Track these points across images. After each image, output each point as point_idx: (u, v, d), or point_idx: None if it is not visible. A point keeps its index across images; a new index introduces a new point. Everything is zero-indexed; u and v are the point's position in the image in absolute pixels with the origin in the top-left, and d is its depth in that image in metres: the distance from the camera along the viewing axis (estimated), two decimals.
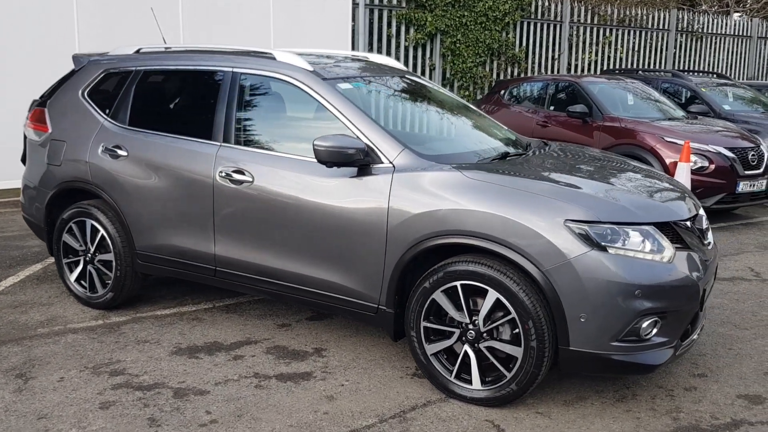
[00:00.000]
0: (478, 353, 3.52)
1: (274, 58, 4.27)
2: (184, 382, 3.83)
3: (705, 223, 3.88)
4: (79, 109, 4.95)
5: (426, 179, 3.63)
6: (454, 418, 3.47)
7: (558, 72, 14.10)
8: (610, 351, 3.31)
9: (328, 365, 4.05)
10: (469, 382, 3.56)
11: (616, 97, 9.36)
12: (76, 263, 4.98)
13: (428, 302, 3.60)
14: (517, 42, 13.49)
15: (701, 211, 4.03)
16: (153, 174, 4.49)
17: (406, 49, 12.31)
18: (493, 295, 3.41)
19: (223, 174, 4.19)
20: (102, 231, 4.78)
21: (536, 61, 13.84)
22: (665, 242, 3.43)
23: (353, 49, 11.45)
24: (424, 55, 12.50)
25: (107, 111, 4.83)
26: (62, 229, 4.98)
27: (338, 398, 3.66)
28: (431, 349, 3.65)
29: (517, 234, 3.35)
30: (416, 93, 4.59)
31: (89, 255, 4.89)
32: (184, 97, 4.58)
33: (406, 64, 12.38)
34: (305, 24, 10.67)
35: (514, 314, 3.37)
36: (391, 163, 3.73)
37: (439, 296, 3.57)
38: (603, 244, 3.28)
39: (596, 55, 14.66)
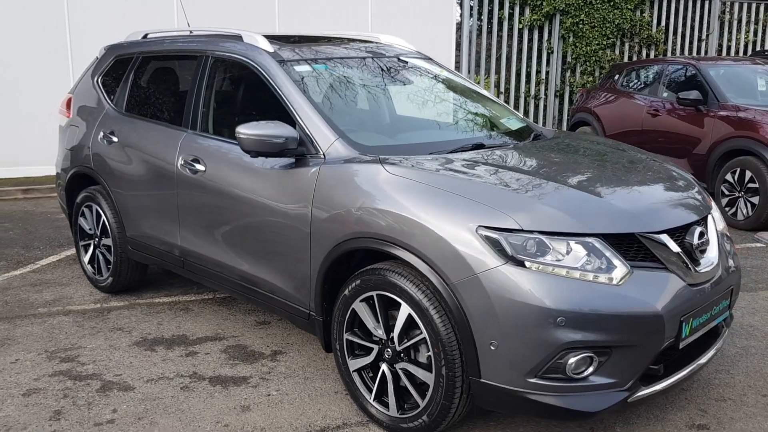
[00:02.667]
0: (395, 375, 3.05)
1: (240, 39, 4.01)
2: (119, 376, 3.72)
3: (706, 237, 3.06)
4: (92, 96, 5.03)
5: (347, 172, 3.19)
6: None
7: (706, 55, 12.50)
8: (526, 389, 2.68)
9: (272, 371, 3.75)
10: (387, 406, 3.10)
11: (741, 83, 8.03)
12: (88, 246, 5.08)
13: (349, 312, 3.17)
14: (654, 21, 12.12)
15: (716, 223, 3.21)
16: (135, 161, 4.43)
17: (520, 32, 11.51)
18: (405, 310, 2.92)
19: (182, 162, 4.02)
20: (103, 216, 4.83)
21: (678, 42, 12.36)
22: (617, 259, 2.73)
23: (459, 33, 10.90)
24: (540, 38, 11.62)
25: (112, 97, 4.86)
26: (77, 213, 5.10)
27: (252, 410, 3.35)
28: (353, 364, 3.21)
29: (425, 240, 2.82)
30: (402, 77, 4.10)
31: (96, 239, 4.97)
32: (166, 83, 4.47)
33: (520, 48, 11.60)
34: (406, 7, 10.33)
35: (425, 334, 2.86)
36: (323, 153, 3.33)
37: (358, 306, 3.12)
38: (520, 257, 2.66)
39: (754, 35, 12.81)
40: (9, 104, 8.92)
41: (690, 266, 2.89)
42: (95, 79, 5.05)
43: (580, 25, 11.51)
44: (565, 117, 11.77)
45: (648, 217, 2.87)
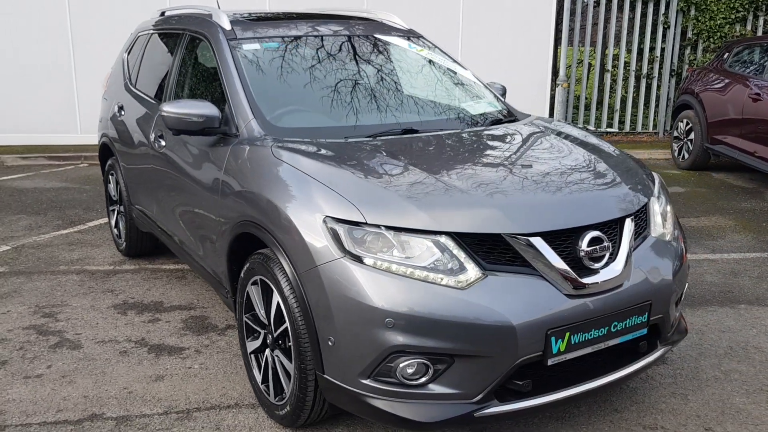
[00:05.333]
0: (274, 361, 3.01)
1: (210, 17, 4.07)
2: (78, 335, 3.99)
3: (606, 244, 2.67)
4: (118, 71, 5.35)
5: (243, 154, 3.16)
6: (233, 430, 3.03)
7: None
8: (359, 389, 2.54)
9: (211, 345, 3.84)
10: (268, 392, 3.07)
11: None
12: (113, 211, 5.46)
13: (245, 294, 3.16)
14: None
15: (652, 227, 2.84)
16: (133, 135, 4.67)
17: (632, 4, 10.59)
18: (276, 298, 2.86)
19: (153, 138, 4.18)
20: (119, 184, 5.16)
21: None
22: (470, 261, 2.49)
23: (560, 8, 10.26)
24: (656, 11, 10.63)
25: (129, 73, 5.14)
26: (106, 180, 5.49)
27: (164, 380, 3.45)
28: (250, 346, 3.21)
29: (284, 227, 2.73)
30: (366, 58, 3.93)
31: (118, 205, 5.32)
32: (160, 61, 4.63)
33: (631, 22, 10.69)
34: None
35: (287, 323, 2.79)
36: (239, 133, 3.33)
37: (251, 290, 3.10)
38: (358, 251, 2.50)
39: None
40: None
41: (573, 275, 2.57)
42: (124, 54, 5.36)
43: None
44: None
45: (520, 217, 2.58)
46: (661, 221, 3.01)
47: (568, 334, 2.55)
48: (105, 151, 5.40)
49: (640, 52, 10.83)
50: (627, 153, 3.46)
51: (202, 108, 3.34)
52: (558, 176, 2.90)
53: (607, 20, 10.82)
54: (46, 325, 4.11)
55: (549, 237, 2.58)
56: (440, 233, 2.50)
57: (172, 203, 4.02)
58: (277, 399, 2.99)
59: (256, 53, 3.72)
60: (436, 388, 2.49)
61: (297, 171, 2.84)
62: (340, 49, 3.90)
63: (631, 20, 10.71)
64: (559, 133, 3.56)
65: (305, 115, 3.51)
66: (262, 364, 3.09)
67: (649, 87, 10.97)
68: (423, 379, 2.48)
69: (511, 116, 3.87)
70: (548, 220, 2.60)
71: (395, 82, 3.81)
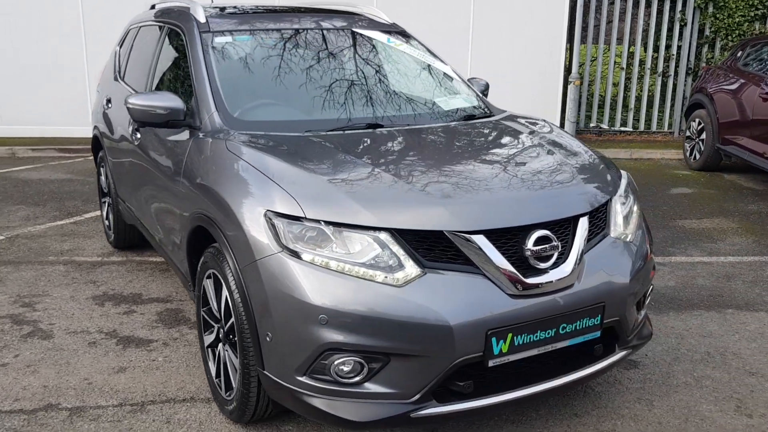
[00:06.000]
0: (224, 355, 2.99)
1: (188, 10, 4.07)
2: (52, 325, 4.01)
3: (555, 244, 2.59)
4: (110, 64, 5.38)
5: (200, 146, 3.15)
6: (182, 424, 3.01)
7: None
8: (296, 387, 2.50)
9: (179, 339, 3.83)
10: (221, 386, 3.05)
11: None
12: (104, 203, 5.50)
13: (202, 288, 3.15)
14: None
15: (609, 227, 2.77)
16: (117, 127, 4.69)
17: (648, 1, 10.37)
18: (224, 292, 2.84)
19: (130, 130, 4.19)
20: (108, 177, 5.19)
21: None
22: (408, 258, 2.44)
23: (573, 5, 10.10)
24: (673, 8, 10.40)
25: (117, 66, 5.17)
26: (98, 173, 5.54)
27: (126, 372, 3.46)
28: (206, 340, 3.19)
29: (229, 220, 2.71)
30: (342, 52, 3.87)
31: (107, 197, 5.36)
32: (143, 54, 4.64)
33: (647, 18, 10.48)
34: None
35: (233, 318, 2.77)
36: (201, 126, 3.31)
37: (206, 284, 3.08)
38: (295, 247, 2.46)
39: None
40: None
41: (517, 274, 2.50)
42: (116, 47, 5.39)
43: None
44: None
45: (462, 215, 2.51)
46: (622, 221, 2.92)
47: (510, 335, 2.48)
48: (96, 143, 5.44)
49: (656, 49, 10.61)
50: (597, 152, 3.36)
51: (167, 100, 3.33)
52: (510, 174, 2.83)
53: (622, 17, 10.62)
54: (22, 315, 4.15)
55: (493, 235, 2.51)
56: (380, 229, 2.45)
57: (146, 196, 4.03)
58: (227, 394, 2.97)
59: (226, 46, 3.70)
60: (372, 387, 2.45)
61: (246, 164, 2.81)
62: (313, 43, 3.87)
63: (647, 17, 10.50)
64: (529, 131, 3.47)
65: (269, 109, 3.48)
66: (216, 359, 3.08)
67: (664, 86, 10.75)
68: (358, 378, 2.44)
69: (485, 112, 3.80)
70: (492, 218, 2.53)
71: (366, 77, 3.76)
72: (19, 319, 4.08)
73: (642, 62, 10.71)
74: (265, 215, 2.55)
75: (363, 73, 3.77)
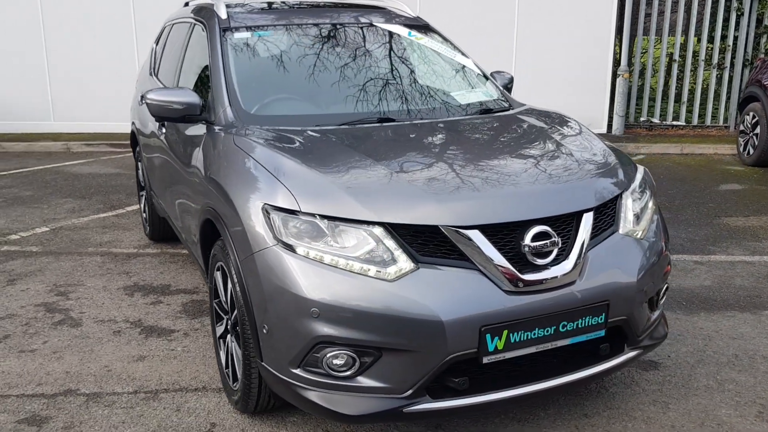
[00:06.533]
0: (231, 346, 3.04)
1: (211, 6, 4.14)
2: (82, 314, 4.16)
3: (555, 240, 2.52)
4: (147, 61, 5.53)
5: (212, 140, 3.21)
6: (191, 413, 3.08)
7: None
8: (291, 379, 2.52)
9: (200, 329, 3.92)
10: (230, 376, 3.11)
11: None
12: (142, 196, 5.66)
13: (213, 280, 3.20)
14: None
15: (618, 224, 2.70)
16: (148, 122, 4.82)
17: None
18: (230, 284, 2.88)
19: (157, 125, 4.30)
20: (143, 170, 5.34)
21: None
22: (402, 253, 2.42)
23: None
24: None
25: (153, 62, 5.30)
26: (136, 167, 5.70)
27: (145, 360, 3.55)
28: (218, 331, 3.25)
29: (230, 214, 2.75)
30: (361, 47, 3.87)
31: (144, 190, 5.51)
32: (174, 50, 4.74)
33: (701, 8, 10.11)
34: None
35: (236, 310, 2.81)
36: (215, 120, 3.37)
37: (216, 276, 3.13)
38: (290, 240, 2.48)
39: None
40: None
41: (513, 270, 2.45)
42: (153, 44, 5.53)
43: None
44: None
45: (458, 210, 2.48)
46: (632, 218, 2.83)
47: (506, 332, 2.44)
48: (133, 138, 5.59)
49: (711, 40, 10.23)
50: (613, 147, 3.26)
51: (183, 96, 3.40)
52: (512, 169, 2.78)
53: (674, 7, 10.27)
54: (56, 303, 4.31)
55: (490, 231, 2.47)
56: (374, 224, 2.45)
57: (171, 190, 4.13)
58: (234, 384, 3.02)
59: (245, 42, 3.75)
60: (364, 381, 2.45)
61: (250, 159, 2.84)
62: (332, 39, 3.88)
63: (701, 6, 10.12)
64: (541, 125, 3.40)
65: (282, 104, 3.51)
66: (226, 350, 3.13)
67: (720, 78, 10.36)
68: (350, 372, 2.44)
69: (503, 106, 3.74)
70: (488, 213, 2.49)
71: (382, 71, 3.75)
72: (53, 308, 4.24)
73: (696, 54, 10.34)
74: (263, 209, 2.58)
75: (379, 67, 3.76)
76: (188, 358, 3.57)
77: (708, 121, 10.40)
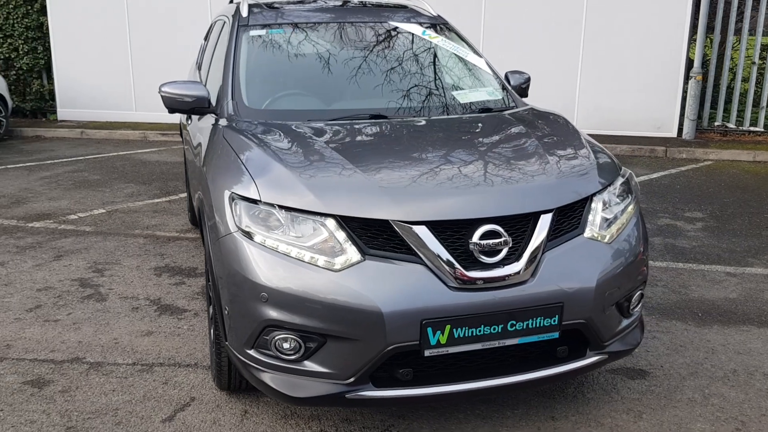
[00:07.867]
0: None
1: (238, 4, 4.34)
2: (111, 290, 4.48)
3: (505, 239, 2.54)
4: (198, 54, 5.83)
5: (209, 131, 3.40)
6: (177, 386, 3.29)
7: None
8: (246, 359, 2.66)
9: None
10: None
11: None
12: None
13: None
14: None
15: (592, 226, 2.70)
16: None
17: None
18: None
19: (185, 120, 4.56)
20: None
21: None
22: (350, 244, 2.51)
23: None
24: None
25: (201, 56, 5.59)
26: (184, 156, 6.03)
27: (152, 336, 3.80)
28: (210, 312, 3.45)
29: (207, 201, 2.94)
30: (369, 43, 3.95)
31: None
32: (211, 45, 4.98)
33: (755, 4, 9.52)
34: None
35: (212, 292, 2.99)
36: (219, 113, 3.57)
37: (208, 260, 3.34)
38: (249, 228, 2.62)
39: None
40: None
41: (458, 267, 2.50)
42: (202, 41, 5.83)
43: None
44: None
45: (407, 205, 2.54)
46: (600, 221, 2.79)
47: (449, 326, 2.49)
48: (182, 129, 5.92)
49: None
50: (602, 150, 3.22)
51: (193, 89, 3.61)
52: (472, 168, 2.81)
53: (755, 5, 9.72)
54: (90, 279, 4.66)
55: (439, 227, 2.53)
56: (327, 216, 2.55)
57: (192, 179, 4.37)
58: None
59: (257, 38, 3.92)
60: (310, 366, 2.56)
61: (231, 150, 3.01)
62: (346, 37, 3.99)
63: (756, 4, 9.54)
64: (529, 125, 3.37)
65: (281, 99, 3.66)
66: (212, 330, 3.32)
67: None
68: (297, 355, 2.56)
69: (506, 106, 3.74)
70: (436, 210, 2.55)
71: (386, 69, 3.83)
72: (86, 283, 4.58)
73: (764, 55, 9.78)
74: (229, 196, 2.74)
75: (382, 65, 3.85)
76: (190, 337, 3.80)
77: None
